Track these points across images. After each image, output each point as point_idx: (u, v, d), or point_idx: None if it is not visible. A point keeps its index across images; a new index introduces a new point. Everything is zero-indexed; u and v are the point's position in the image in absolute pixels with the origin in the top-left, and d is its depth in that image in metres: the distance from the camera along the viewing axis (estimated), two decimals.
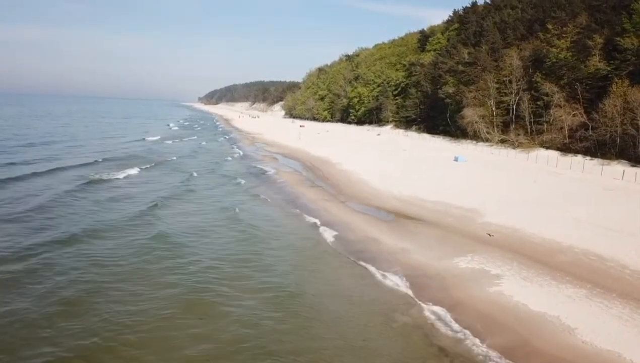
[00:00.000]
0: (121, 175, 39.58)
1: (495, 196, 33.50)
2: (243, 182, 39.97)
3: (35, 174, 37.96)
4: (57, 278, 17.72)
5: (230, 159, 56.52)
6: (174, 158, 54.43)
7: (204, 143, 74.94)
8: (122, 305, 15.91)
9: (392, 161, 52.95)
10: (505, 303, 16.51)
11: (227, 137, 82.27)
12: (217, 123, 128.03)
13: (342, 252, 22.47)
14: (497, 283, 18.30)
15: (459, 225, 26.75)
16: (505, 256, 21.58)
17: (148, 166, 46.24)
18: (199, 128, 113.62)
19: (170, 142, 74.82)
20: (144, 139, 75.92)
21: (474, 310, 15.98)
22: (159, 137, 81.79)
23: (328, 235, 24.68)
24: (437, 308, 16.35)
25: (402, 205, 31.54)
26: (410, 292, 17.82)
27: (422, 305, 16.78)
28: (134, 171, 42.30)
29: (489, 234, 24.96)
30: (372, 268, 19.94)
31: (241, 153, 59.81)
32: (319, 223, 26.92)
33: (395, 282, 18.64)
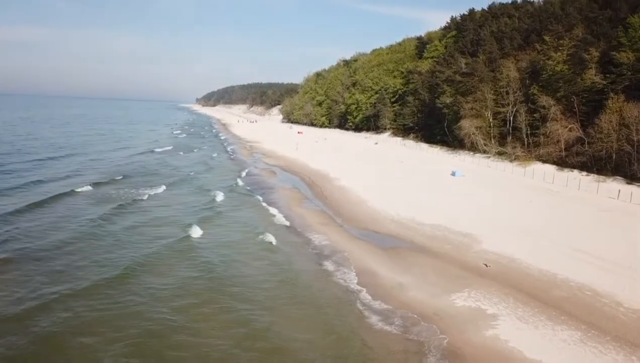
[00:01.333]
0: (146, 195, 39.75)
1: (492, 219, 33.79)
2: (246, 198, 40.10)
3: (53, 199, 36.26)
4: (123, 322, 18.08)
5: (232, 174, 56.40)
6: (192, 173, 54.16)
7: (214, 155, 74.31)
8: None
9: (389, 176, 53.20)
10: (501, 350, 16.73)
11: (229, 151, 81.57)
12: (218, 132, 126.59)
13: (342, 285, 22.66)
14: (493, 325, 18.52)
15: (456, 254, 26.99)
16: (502, 291, 21.83)
17: (171, 183, 46.13)
18: (201, 138, 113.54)
19: (182, 153, 74.81)
20: (154, 150, 75.32)
21: (472, 360, 16.17)
22: (170, 147, 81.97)
23: (329, 266, 24.84)
24: (433, 360, 16.47)
25: (400, 229, 31.76)
26: (406, 337, 17.94)
27: (419, 356, 16.82)
28: (160, 190, 42.51)
29: (486, 265, 25.21)
30: (369, 314, 19.86)
31: (243, 172, 59.53)
32: (319, 252, 27.12)
33: (393, 328, 18.58)
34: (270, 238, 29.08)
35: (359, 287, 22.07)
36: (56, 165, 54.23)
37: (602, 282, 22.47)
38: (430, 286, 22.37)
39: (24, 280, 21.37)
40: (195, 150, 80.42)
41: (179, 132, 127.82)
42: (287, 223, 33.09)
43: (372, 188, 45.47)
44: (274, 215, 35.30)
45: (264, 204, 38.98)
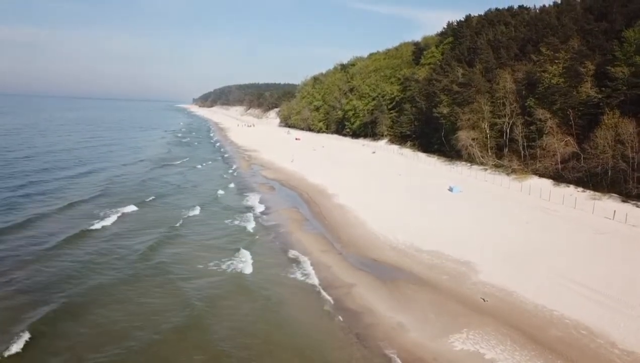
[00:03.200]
0: (185, 215, 41.76)
1: (489, 243, 34.27)
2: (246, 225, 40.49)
3: (68, 241, 33.68)
4: None
5: (228, 191, 56.75)
6: (221, 194, 53.44)
7: (230, 170, 73.44)
8: None
9: (387, 192, 53.63)
10: None
11: (231, 169, 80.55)
12: (217, 141, 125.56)
13: (342, 324, 23.07)
14: None
15: (454, 285, 27.43)
16: (499, 330, 22.26)
17: (206, 205, 46.96)
18: (197, 143, 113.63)
19: (200, 166, 75.76)
20: (170, 164, 75.08)
21: None
22: (187, 158, 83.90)
23: (330, 305, 25.18)
24: None
25: (399, 257, 32.17)
26: None
27: None
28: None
29: (483, 299, 25.65)
30: (372, 358, 20.28)
31: (233, 185, 59.69)
32: (318, 285, 27.53)
33: None
34: (272, 271, 29.52)
35: (360, 331, 22.40)
36: (83, 185, 54.40)
37: (598, 319, 22.93)
38: (430, 325, 22.78)
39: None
40: (206, 163, 79.96)
41: (180, 135, 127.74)
42: (288, 253, 33.31)
43: (371, 207, 45.87)
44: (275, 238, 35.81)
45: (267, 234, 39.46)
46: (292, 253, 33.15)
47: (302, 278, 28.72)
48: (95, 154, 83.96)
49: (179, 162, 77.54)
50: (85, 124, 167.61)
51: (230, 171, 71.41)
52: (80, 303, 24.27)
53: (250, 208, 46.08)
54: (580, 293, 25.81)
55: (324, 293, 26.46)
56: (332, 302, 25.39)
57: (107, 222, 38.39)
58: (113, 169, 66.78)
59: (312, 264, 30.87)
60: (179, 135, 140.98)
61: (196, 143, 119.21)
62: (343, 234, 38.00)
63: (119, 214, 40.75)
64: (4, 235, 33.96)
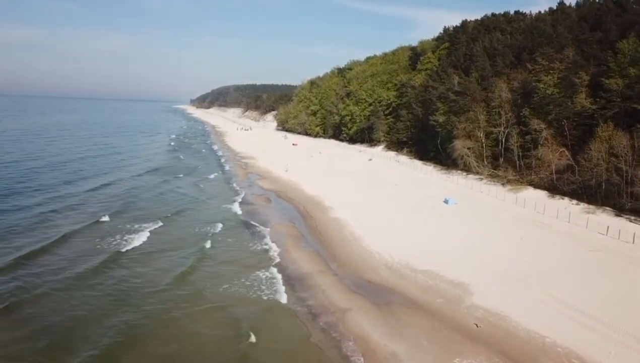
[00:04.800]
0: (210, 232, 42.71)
1: (483, 261, 34.62)
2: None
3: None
4: None
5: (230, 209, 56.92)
6: (241, 214, 51.88)
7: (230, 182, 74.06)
8: None
9: (383, 203, 53.95)
10: None
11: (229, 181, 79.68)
12: (215, 147, 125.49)
13: (334, 354, 23.32)
14: None
15: (448, 310, 27.69)
16: (492, 360, 22.55)
17: (231, 225, 46.77)
18: (197, 150, 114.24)
19: (214, 175, 77.09)
20: (181, 176, 74.65)
21: None
22: (211, 167, 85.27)
23: (322, 333, 25.36)
24: None
25: (393, 278, 32.44)
26: None
27: None
28: (219, 228, 44.60)
29: (476, 325, 25.92)
30: None
31: (240, 197, 59.93)
32: (310, 313, 27.74)
33: None
34: (264, 291, 29.79)
35: (356, 360, 22.70)
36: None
37: (589, 346, 23.23)
38: (424, 354, 23.03)
39: None
40: (211, 174, 79.12)
41: (180, 141, 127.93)
42: (280, 276, 33.34)
43: (366, 221, 46.14)
44: (271, 260, 36.14)
45: (261, 245, 39.69)
46: (288, 274, 33.42)
47: (295, 304, 28.92)
48: (110, 162, 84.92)
49: (181, 175, 75.75)
50: (90, 129, 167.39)
51: (227, 183, 71.67)
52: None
53: (247, 226, 46.37)
54: (572, 318, 26.09)
55: (317, 320, 26.68)
56: (325, 329, 25.60)
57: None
58: (130, 181, 67.34)
59: (307, 287, 31.13)
60: (180, 141, 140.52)
61: (195, 148, 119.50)
62: (339, 252, 38.26)
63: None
64: (41, 256, 34.48)
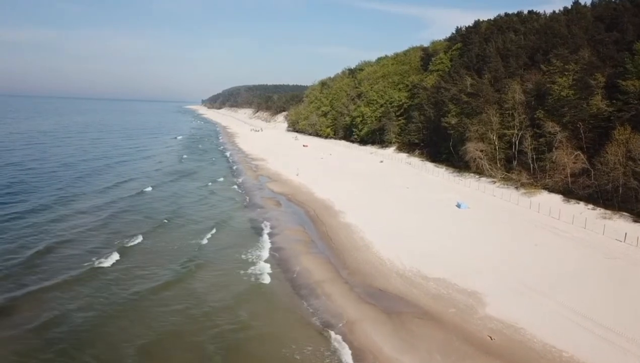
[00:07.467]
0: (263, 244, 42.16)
1: (497, 269, 33.92)
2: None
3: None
4: None
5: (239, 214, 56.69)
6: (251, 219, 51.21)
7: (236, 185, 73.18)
8: None
9: (395, 207, 53.32)
10: None
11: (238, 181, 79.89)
12: (226, 148, 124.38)
13: None
14: None
15: (461, 321, 27.07)
16: None
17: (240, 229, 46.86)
18: (208, 152, 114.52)
19: (236, 179, 76.66)
20: (208, 183, 72.49)
21: None
22: (222, 170, 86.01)
23: (335, 343, 24.99)
24: None
25: (405, 287, 31.86)
26: None
27: None
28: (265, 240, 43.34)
29: (490, 337, 25.29)
30: None
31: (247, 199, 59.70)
32: (321, 324, 27.32)
33: None
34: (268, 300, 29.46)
35: None
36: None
37: (606, 361, 22.50)
38: None
39: None
40: (217, 180, 77.53)
41: (193, 143, 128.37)
42: (290, 286, 32.98)
43: (377, 226, 45.58)
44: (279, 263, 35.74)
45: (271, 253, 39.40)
46: (298, 284, 33.03)
47: (307, 313, 28.52)
48: (133, 168, 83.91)
49: (196, 176, 77.04)
50: (109, 131, 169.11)
51: (237, 186, 71.51)
52: None
53: (258, 230, 46.09)
54: (590, 330, 25.34)
55: (329, 331, 26.26)
56: (337, 339, 25.18)
57: None
58: (158, 189, 65.54)
59: (317, 297, 30.72)
60: (192, 143, 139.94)
61: (206, 151, 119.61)
62: (349, 259, 37.75)
63: None
64: (109, 274, 33.81)
